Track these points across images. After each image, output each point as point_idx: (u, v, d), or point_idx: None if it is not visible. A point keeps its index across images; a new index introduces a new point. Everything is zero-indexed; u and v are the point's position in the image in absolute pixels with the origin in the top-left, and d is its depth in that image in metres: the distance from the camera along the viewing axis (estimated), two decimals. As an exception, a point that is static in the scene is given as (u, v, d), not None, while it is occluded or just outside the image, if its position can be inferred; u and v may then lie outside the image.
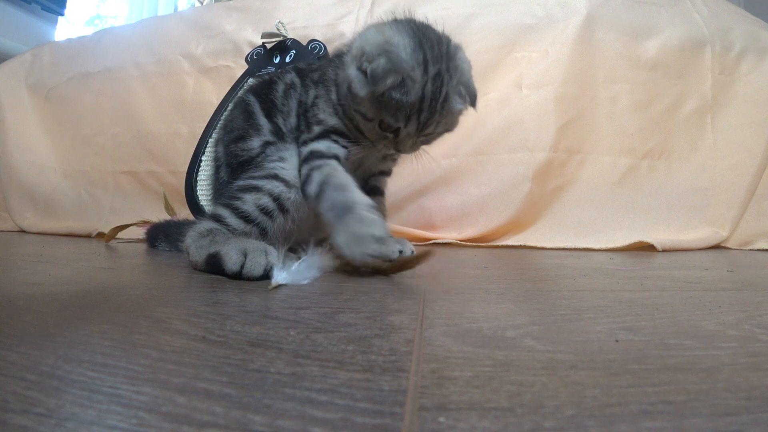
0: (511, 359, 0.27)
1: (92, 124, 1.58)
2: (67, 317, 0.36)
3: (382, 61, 0.59)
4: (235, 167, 0.72)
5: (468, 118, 1.23)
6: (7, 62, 1.76)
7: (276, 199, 0.65)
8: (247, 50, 1.31)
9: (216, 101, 1.19)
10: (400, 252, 0.59)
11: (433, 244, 1.16)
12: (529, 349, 0.29)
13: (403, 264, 0.59)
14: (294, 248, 0.63)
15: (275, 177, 0.66)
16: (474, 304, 0.43)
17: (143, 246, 1.04)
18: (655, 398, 0.21)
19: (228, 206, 0.65)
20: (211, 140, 1.10)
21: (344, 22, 1.32)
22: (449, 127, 0.70)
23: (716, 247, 1.12)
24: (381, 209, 0.82)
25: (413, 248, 0.68)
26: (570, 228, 1.14)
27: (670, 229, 1.13)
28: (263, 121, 0.75)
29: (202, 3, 2.46)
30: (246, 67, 1.22)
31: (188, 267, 0.66)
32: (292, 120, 0.75)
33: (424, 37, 0.63)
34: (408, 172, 1.26)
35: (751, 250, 1.12)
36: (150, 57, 1.52)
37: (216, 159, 0.82)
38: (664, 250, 1.02)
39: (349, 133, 0.71)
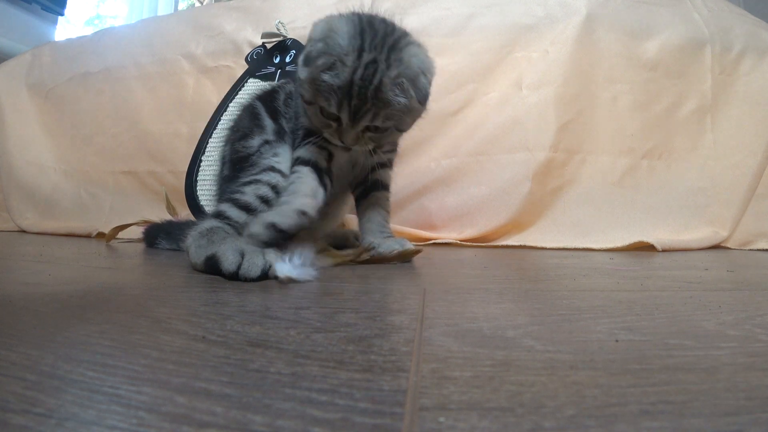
0: (511, 359, 0.27)
1: (92, 124, 1.58)
2: (67, 317, 0.36)
3: (319, 45, 0.63)
4: (235, 162, 0.77)
5: (468, 118, 1.24)
6: (7, 62, 1.76)
7: (274, 187, 0.69)
8: (247, 50, 1.31)
9: (216, 101, 1.19)
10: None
11: (433, 244, 1.16)
12: (529, 349, 0.29)
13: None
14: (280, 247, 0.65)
15: (272, 169, 0.71)
16: (474, 304, 0.43)
17: (143, 246, 1.04)
18: (655, 398, 0.21)
19: (229, 200, 0.68)
20: (211, 140, 1.10)
21: (344, 22, 1.32)
22: (399, 124, 0.70)
23: (716, 247, 1.12)
24: (383, 203, 0.84)
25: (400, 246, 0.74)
26: (570, 228, 1.14)
27: (670, 229, 1.13)
28: (268, 122, 0.80)
29: (202, 3, 2.46)
30: (246, 67, 1.23)
31: (188, 267, 0.66)
32: (292, 124, 0.79)
33: (369, 28, 0.65)
34: (408, 172, 1.26)
35: (751, 250, 1.12)
36: (150, 57, 1.52)
37: (222, 158, 0.86)
38: (664, 250, 1.02)
39: (315, 128, 0.73)
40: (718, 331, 0.34)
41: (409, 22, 1.28)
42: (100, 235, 1.27)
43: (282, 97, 0.83)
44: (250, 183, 0.69)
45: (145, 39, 1.56)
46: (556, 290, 0.53)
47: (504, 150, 1.18)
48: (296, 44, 1.19)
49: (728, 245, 1.14)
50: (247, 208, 0.67)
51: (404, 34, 0.69)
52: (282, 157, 0.73)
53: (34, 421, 0.19)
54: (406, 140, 1.25)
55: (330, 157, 0.77)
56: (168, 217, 1.19)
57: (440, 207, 1.22)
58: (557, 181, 1.17)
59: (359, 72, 0.63)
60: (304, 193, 0.69)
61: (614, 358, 0.27)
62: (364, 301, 0.44)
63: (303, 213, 0.65)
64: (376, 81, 0.63)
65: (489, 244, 1.15)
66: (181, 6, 2.85)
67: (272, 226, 0.62)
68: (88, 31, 1.85)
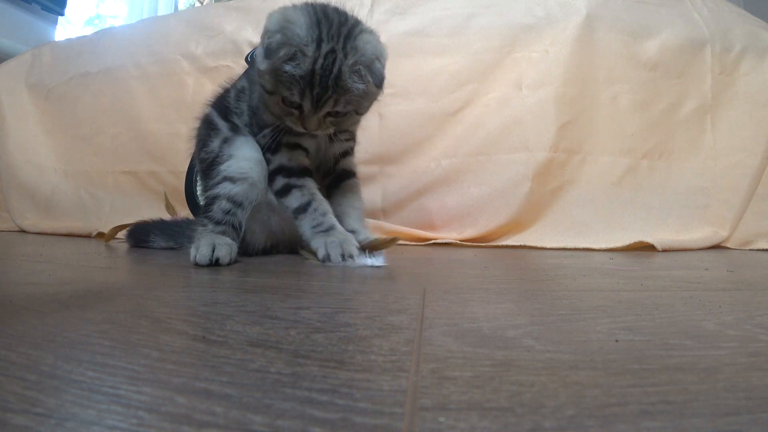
0: (511, 359, 0.27)
1: (92, 124, 1.58)
2: (67, 317, 0.36)
3: (278, 36, 0.66)
4: (205, 170, 0.82)
5: (468, 118, 1.24)
6: (7, 62, 1.76)
7: (230, 199, 0.75)
8: (247, 50, 1.31)
9: (216, 101, 1.19)
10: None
11: (433, 244, 1.16)
12: (529, 349, 0.29)
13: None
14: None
15: (224, 179, 0.75)
16: (474, 304, 0.43)
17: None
18: (655, 398, 0.21)
19: (207, 216, 0.76)
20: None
21: (344, 22, 1.32)
22: (358, 108, 0.74)
23: (716, 247, 1.12)
24: (358, 191, 0.90)
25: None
26: (570, 228, 1.14)
27: (670, 229, 1.13)
28: (221, 123, 0.84)
29: (202, 3, 2.46)
30: (246, 67, 1.22)
31: (188, 267, 0.66)
32: (245, 117, 0.84)
33: (324, 18, 0.69)
34: (408, 172, 1.26)
35: (751, 250, 1.12)
36: (150, 57, 1.52)
37: (195, 173, 0.95)
38: (664, 250, 1.02)
39: (278, 120, 0.77)
40: (718, 331, 0.34)
41: (409, 22, 1.30)
42: (100, 235, 1.27)
43: (232, 93, 0.87)
44: (214, 200, 0.75)
45: (145, 39, 1.56)
46: (556, 290, 0.53)
47: (504, 150, 1.18)
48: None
49: (728, 245, 1.14)
50: (219, 223, 0.74)
51: (357, 23, 0.73)
52: (234, 158, 0.77)
53: (34, 421, 0.19)
54: (406, 140, 1.26)
55: (307, 153, 0.82)
56: (166, 216, 1.19)
57: (440, 207, 1.22)
58: (557, 181, 1.17)
59: (320, 62, 0.66)
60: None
61: (614, 358, 0.27)
62: (364, 301, 0.44)
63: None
64: (335, 70, 0.67)
65: (489, 244, 1.15)
66: (181, 6, 2.85)
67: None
68: (88, 31, 1.85)
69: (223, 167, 0.76)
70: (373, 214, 1.24)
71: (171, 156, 1.42)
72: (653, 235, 1.06)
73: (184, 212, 1.21)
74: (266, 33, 0.67)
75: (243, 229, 0.76)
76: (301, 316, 0.37)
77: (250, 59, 0.87)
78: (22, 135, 1.62)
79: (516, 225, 1.16)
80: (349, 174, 0.90)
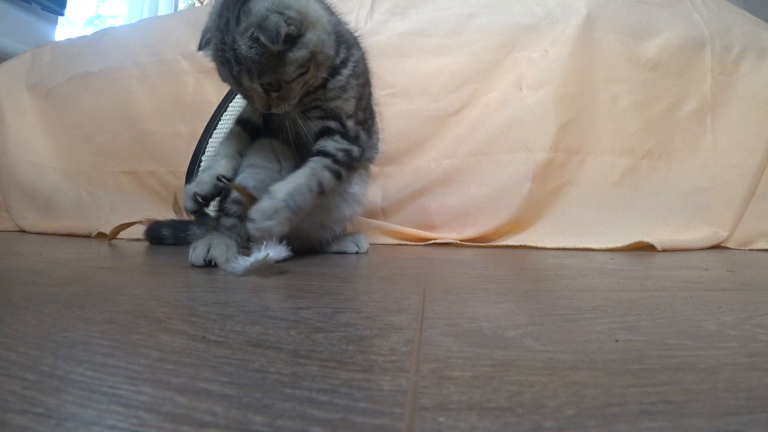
0: (511, 359, 0.27)
1: (92, 124, 1.57)
2: (67, 317, 0.36)
3: (204, 29, 0.68)
4: None
5: (468, 118, 1.24)
6: (7, 62, 1.76)
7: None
8: (247, 50, 1.31)
9: (216, 101, 1.19)
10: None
11: (433, 244, 1.16)
12: (529, 349, 0.29)
13: None
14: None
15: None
16: (474, 304, 0.43)
17: (144, 246, 1.04)
18: (655, 398, 0.21)
19: (220, 210, 0.76)
20: (211, 140, 1.10)
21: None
22: (281, 75, 0.66)
23: (716, 247, 1.12)
24: (308, 164, 0.75)
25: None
26: (570, 228, 1.14)
27: (670, 229, 1.13)
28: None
29: (202, 3, 2.46)
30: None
31: (188, 267, 0.66)
32: None
33: None
34: (408, 172, 1.26)
35: (751, 250, 1.12)
36: (150, 57, 1.51)
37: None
38: (664, 250, 1.02)
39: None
40: (718, 331, 0.34)
41: (409, 22, 1.30)
42: (100, 235, 1.27)
43: None
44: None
45: (145, 39, 1.56)
46: (556, 290, 0.53)
47: (504, 150, 1.18)
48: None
49: (728, 245, 1.14)
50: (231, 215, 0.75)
51: None
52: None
53: (34, 421, 0.19)
54: (406, 140, 1.26)
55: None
56: (172, 216, 1.19)
57: (440, 207, 1.22)
58: (557, 181, 1.17)
59: (219, 37, 0.65)
60: (225, 154, 0.75)
61: (614, 358, 0.27)
62: (364, 301, 0.44)
63: (220, 177, 0.72)
64: (228, 40, 0.63)
65: (489, 244, 1.15)
66: (181, 6, 2.85)
67: (195, 196, 0.71)
68: (88, 31, 1.85)
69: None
70: (373, 214, 1.24)
71: (171, 156, 1.42)
72: (653, 235, 1.06)
73: (186, 212, 1.21)
74: None
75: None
76: (301, 316, 0.37)
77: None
78: (22, 135, 1.62)
79: (516, 225, 1.16)
80: (320, 153, 0.76)
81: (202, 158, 1.09)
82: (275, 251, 0.59)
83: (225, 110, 1.13)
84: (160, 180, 1.45)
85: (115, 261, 0.79)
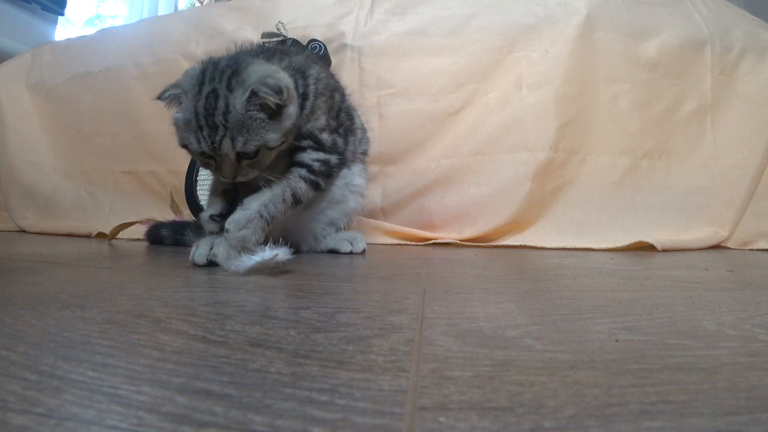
0: (511, 359, 0.27)
1: (92, 124, 1.57)
2: (67, 317, 0.36)
3: (171, 84, 0.69)
4: None
5: (468, 118, 1.24)
6: (7, 62, 1.76)
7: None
8: (247, 50, 1.31)
9: (216, 101, 1.19)
10: None
11: (433, 244, 1.16)
12: (529, 349, 0.29)
13: None
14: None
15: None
16: (474, 304, 0.43)
17: (144, 246, 1.04)
18: (655, 398, 0.21)
19: None
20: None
21: (344, 22, 1.32)
22: (267, 142, 0.67)
23: (716, 247, 1.12)
24: (281, 180, 0.77)
25: None
26: (570, 228, 1.14)
27: (670, 229, 1.13)
28: None
29: (202, 3, 2.46)
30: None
31: (188, 267, 0.67)
32: None
33: (214, 68, 0.68)
34: (408, 172, 1.26)
35: (751, 250, 1.12)
36: (150, 57, 1.51)
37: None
38: (664, 250, 1.02)
39: None
40: (718, 331, 0.34)
41: (409, 22, 1.30)
42: (100, 235, 1.27)
43: None
44: None
45: (145, 39, 1.56)
46: (556, 290, 0.53)
47: (504, 150, 1.18)
48: (296, 44, 1.19)
49: (728, 245, 1.14)
50: None
51: (246, 61, 0.69)
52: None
53: (34, 421, 0.19)
54: (406, 140, 1.26)
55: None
56: (172, 216, 1.19)
57: (440, 207, 1.22)
58: (557, 181, 1.17)
59: (201, 103, 0.65)
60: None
61: (614, 358, 0.27)
62: (364, 301, 0.44)
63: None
64: (221, 105, 0.64)
65: (489, 244, 1.15)
66: (181, 6, 2.85)
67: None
68: (88, 31, 1.85)
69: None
70: (373, 214, 1.24)
71: (171, 156, 1.42)
72: (653, 235, 1.06)
73: (185, 211, 1.21)
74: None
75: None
76: (301, 316, 0.37)
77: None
78: (22, 135, 1.62)
79: (516, 225, 1.16)
80: (296, 164, 0.79)
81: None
82: (281, 252, 0.61)
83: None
84: (160, 180, 1.45)
85: (115, 261, 0.79)
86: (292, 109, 0.70)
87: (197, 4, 2.41)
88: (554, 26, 1.20)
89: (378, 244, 1.15)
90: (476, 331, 0.33)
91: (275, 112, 0.67)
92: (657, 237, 1.05)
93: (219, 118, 0.64)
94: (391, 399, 0.21)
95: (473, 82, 1.24)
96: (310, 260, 0.77)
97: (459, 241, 1.15)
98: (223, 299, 0.44)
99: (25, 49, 1.84)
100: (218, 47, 1.41)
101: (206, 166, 0.73)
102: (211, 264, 0.67)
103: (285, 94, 0.66)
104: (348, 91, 0.98)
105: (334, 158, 0.83)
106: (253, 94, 0.64)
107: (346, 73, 1.24)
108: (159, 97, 0.69)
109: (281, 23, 1.23)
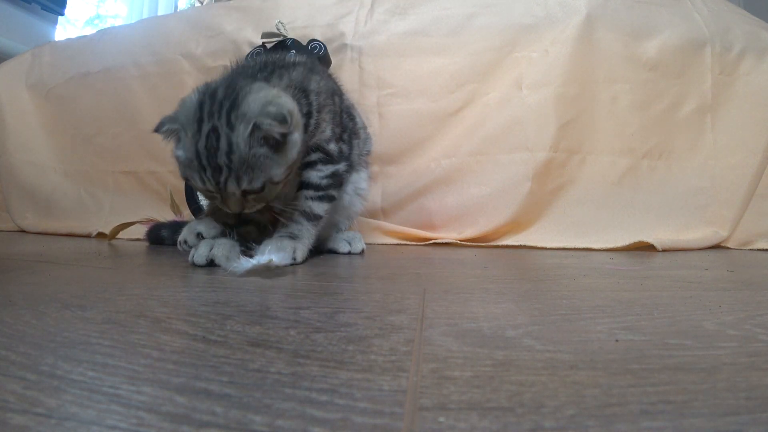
0: (511, 359, 0.27)
1: (92, 124, 1.57)
2: (67, 317, 0.36)
3: (167, 117, 0.66)
4: None
5: (468, 118, 1.24)
6: (7, 62, 1.76)
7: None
8: (247, 50, 1.31)
9: (216, 101, 1.19)
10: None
11: (433, 244, 1.16)
12: (529, 349, 0.29)
13: None
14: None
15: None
16: (474, 304, 0.43)
17: (144, 245, 1.04)
18: (655, 398, 0.21)
19: None
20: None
21: (344, 22, 1.32)
22: (272, 177, 0.65)
23: (716, 247, 1.12)
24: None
25: None
26: (570, 228, 1.14)
27: (670, 229, 1.13)
28: None
29: (202, 3, 2.46)
30: (246, 67, 1.22)
31: (188, 267, 0.67)
32: None
33: (212, 100, 0.64)
34: (408, 172, 1.26)
35: (751, 250, 1.12)
36: (150, 57, 1.51)
37: None
38: (664, 250, 1.02)
39: None
40: (718, 331, 0.34)
41: (409, 22, 1.30)
42: (100, 235, 1.27)
43: None
44: None
45: (145, 39, 1.56)
46: (556, 290, 0.53)
47: (504, 150, 1.18)
48: (296, 44, 1.19)
49: (728, 245, 1.14)
50: None
51: (245, 89, 0.65)
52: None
53: (34, 421, 0.19)
54: (406, 140, 1.26)
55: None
56: (172, 216, 1.19)
57: (440, 207, 1.22)
58: (557, 181, 1.17)
59: (202, 143, 0.62)
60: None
61: (614, 358, 0.27)
62: (364, 301, 0.44)
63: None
64: (223, 145, 0.61)
65: (489, 244, 1.15)
66: (181, 6, 2.85)
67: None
68: (88, 31, 1.85)
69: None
70: (373, 214, 1.24)
71: (171, 156, 1.42)
72: (653, 235, 1.06)
73: (186, 211, 1.21)
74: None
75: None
76: (301, 316, 0.37)
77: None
78: (22, 135, 1.62)
79: (516, 225, 1.16)
80: (302, 186, 0.79)
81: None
82: (278, 257, 0.61)
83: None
84: (160, 180, 1.44)
85: (115, 261, 0.79)
86: (296, 137, 0.67)
87: (197, 4, 2.41)
88: (554, 26, 1.20)
89: (378, 244, 1.15)
90: (476, 331, 0.33)
91: (280, 142, 0.64)
92: (657, 237, 1.05)
93: (222, 159, 0.61)
94: (391, 399, 0.21)
95: (473, 82, 1.24)
96: (310, 260, 0.77)
97: (459, 241, 1.15)
98: (223, 299, 0.44)
99: (25, 49, 1.84)
100: (218, 47, 1.43)
101: (211, 199, 0.72)
102: (211, 264, 0.67)
103: (289, 120, 0.62)
104: (347, 90, 0.98)
105: (342, 166, 0.82)
106: (256, 127, 0.61)
107: (346, 73, 1.24)
108: (156, 131, 0.67)
109: (281, 23, 1.23)
